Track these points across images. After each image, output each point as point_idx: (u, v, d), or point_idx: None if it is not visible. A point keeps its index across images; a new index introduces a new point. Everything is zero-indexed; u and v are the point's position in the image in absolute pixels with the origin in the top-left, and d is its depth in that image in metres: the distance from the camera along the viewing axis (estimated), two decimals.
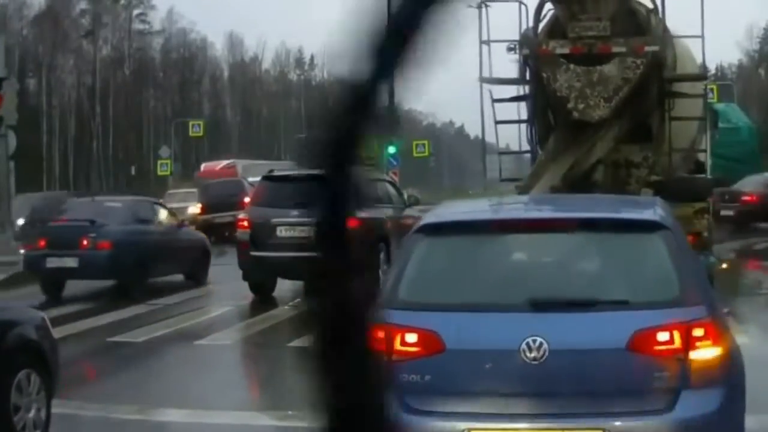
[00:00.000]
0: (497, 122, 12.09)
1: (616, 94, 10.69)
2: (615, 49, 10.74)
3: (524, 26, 11.47)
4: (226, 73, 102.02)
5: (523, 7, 11.55)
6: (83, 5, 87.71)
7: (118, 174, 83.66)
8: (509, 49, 11.55)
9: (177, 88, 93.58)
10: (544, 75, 10.97)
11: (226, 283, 15.16)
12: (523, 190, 10.75)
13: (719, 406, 4.13)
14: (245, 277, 13.81)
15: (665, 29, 11.35)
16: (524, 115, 12.05)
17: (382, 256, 13.43)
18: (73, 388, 8.46)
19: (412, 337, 4.26)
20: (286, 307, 12.87)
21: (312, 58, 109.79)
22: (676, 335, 4.13)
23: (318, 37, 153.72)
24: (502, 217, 5.15)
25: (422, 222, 4.86)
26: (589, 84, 10.70)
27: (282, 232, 13.05)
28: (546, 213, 5.59)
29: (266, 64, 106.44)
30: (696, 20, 11.68)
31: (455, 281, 4.67)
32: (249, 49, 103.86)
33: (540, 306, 4.29)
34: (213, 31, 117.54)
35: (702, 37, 11.82)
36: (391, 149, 44.65)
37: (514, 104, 12.13)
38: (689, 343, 4.12)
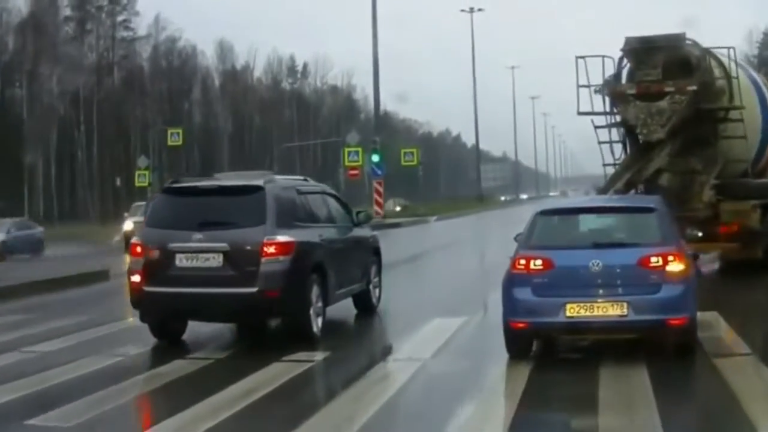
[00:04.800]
0: (600, 143, 16.03)
1: (668, 122, 14.43)
2: (666, 89, 14.45)
3: (607, 74, 15.34)
4: (217, 82, 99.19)
5: (607, 60, 15.31)
6: (67, 12, 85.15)
7: (104, 184, 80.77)
8: (596, 91, 15.31)
9: (166, 97, 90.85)
10: (619, 109, 15.07)
11: None
12: (601, 191, 14.78)
13: (681, 291, 8.41)
14: (142, 318, 10.75)
15: (718, 68, 14.98)
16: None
17: (315, 290, 10.37)
18: None
19: (539, 261, 8.58)
20: (183, 360, 9.80)
21: (305, 66, 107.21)
22: (660, 258, 8.43)
23: (310, 44, 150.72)
24: (577, 206, 10.13)
25: (539, 209, 9.28)
26: (650, 115, 14.48)
27: (182, 260, 10.00)
28: (600, 203, 10.55)
29: (258, 72, 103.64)
30: None
31: (557, 235, 9.11)
32: (240, 57, 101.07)
33: (598, 246, 8.67)
34: (202, 38, 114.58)
35: (737, 78, 14.94)
36: (375, 158, 41.58)
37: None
38: (666, 262, 8.43)
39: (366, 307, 12.49)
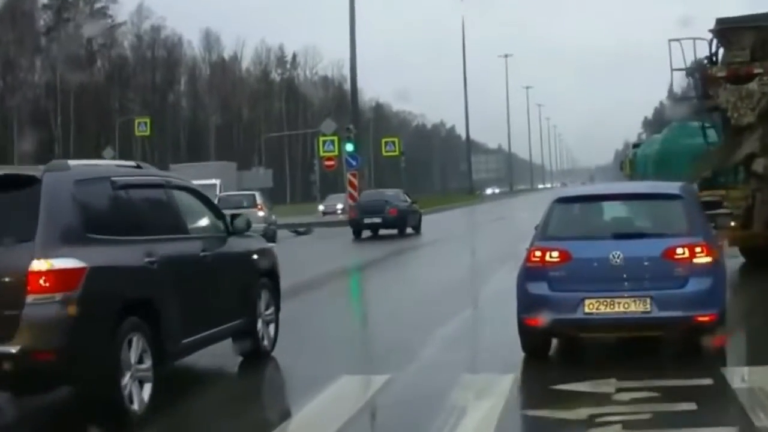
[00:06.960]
0: (700, 127, 16.61)
1: (758, 105, 14.16)
2: (755, 71, 14.26)
3: (697, 57, 15.22)
4: (204, 72, 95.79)
5: (698, 42, 15.11)
6: (44, 0, 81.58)
7: None
8: (687, 75, 15.60)
9: (151, 89, 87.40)
10: (711, 93, 14.81)
11: None
12: (687, 179, 13.55)
13: (709, 286, 7.82)
14: None
15: None
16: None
17: (136, 343, 6.57)
18: None
19: (555, 253, 8.03)
20: None
21: (294, 56, 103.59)
22: (686, 250, 7.84)
23: (299, 35, 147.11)
24: (597, 193, 9.60)
25: (558, 196, 8.78)
26: (740, 98, 14.28)
27: None
28: (621, 190, 9.70)
29: (246, 62, 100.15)
30: None
31: (575, 224, 8.61)
32: (227, 47, 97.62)
33: (619, 236, 8.13)
34: (187, 28, 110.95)
35: None
36: (349, 147, 37.71)
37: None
38: (693, 254, 7.84)
39: (252, 352, 8.68)
